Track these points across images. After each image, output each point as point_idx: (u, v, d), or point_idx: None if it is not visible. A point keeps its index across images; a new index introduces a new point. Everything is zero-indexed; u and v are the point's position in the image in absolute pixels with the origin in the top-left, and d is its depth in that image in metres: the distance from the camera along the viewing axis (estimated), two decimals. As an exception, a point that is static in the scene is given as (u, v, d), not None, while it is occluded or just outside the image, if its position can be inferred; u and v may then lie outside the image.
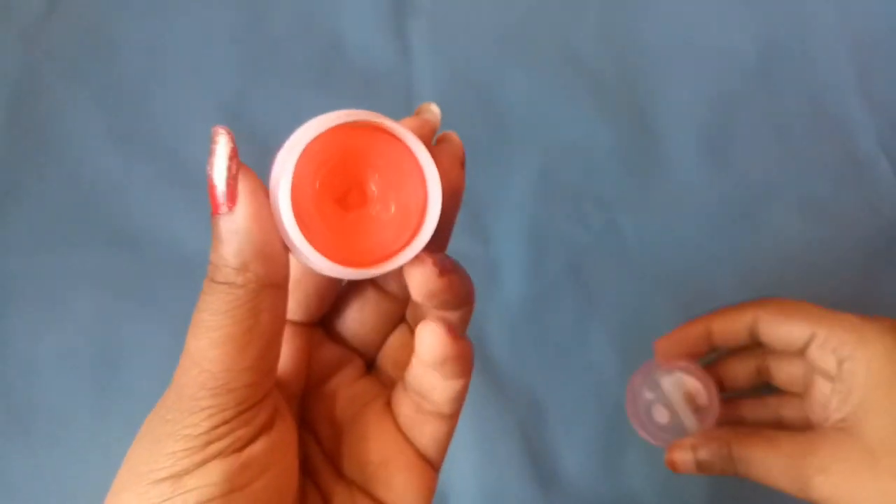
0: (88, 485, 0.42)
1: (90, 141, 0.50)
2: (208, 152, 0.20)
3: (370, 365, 0.25)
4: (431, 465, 0.23)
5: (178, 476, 0.18)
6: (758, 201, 0.49)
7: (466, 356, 0.21)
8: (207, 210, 0.20)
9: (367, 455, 0.23)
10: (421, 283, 0.20)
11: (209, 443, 0.18)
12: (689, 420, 0.38)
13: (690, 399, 0.39)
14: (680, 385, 0.39)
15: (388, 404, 0.24)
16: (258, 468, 0.19)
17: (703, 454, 0.34)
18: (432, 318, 0.21)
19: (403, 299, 0.24)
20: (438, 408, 0.22)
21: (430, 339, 0.20)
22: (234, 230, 0.19)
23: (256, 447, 0.19)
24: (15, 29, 0.53)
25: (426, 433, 0.23)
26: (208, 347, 0.19)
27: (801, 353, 0.34)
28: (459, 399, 0.22)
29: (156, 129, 0.50)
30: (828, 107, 0.51)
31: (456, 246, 0.49)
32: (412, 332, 0.24)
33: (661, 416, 0.38)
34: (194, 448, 0.18)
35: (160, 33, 0.53)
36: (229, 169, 0.19)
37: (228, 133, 0.20)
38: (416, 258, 0.20)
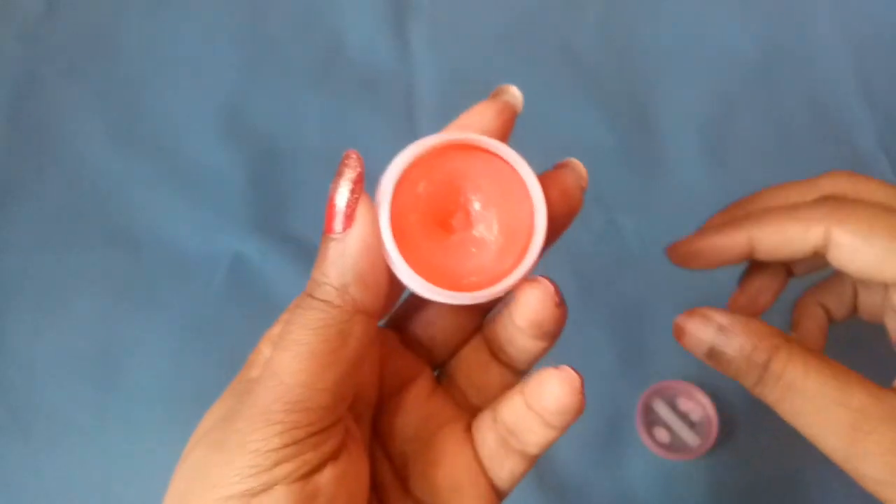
0: (88, 485, 0.42)
1: (90, 141, 0.50)
2: (336, 172, 0.20)
3: (436, 370, 0.25)
4: (500, 497, 0.23)
5: (245, 497, 0.18)
6: (758, 201, 0.49)
7: (581, 409, 0.21)
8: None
9: (442, 479, 0.22)
10: (536, 309, 0.21)
11: (277, 463, 0.18)
12: (685, 437, 0.42)
13: (685, 417, 0.43)
14: (673, 407, 0.43)
15: (468, 429, 0.23)
16: (324, 499, 0.19)
17: (729, 348, 0.24)
18: (557, 370, 0.21)
19: (484, 309, 0.24)
20: (526, 448, 0.22)
21: (561, 392, 0.21)
22: (342, 252, 0.19)
23: (324, 476, 0.19)
24: (15, 29, 0.53)
25: (506, 468, 0.22)
26: (291, 360, 0.19)
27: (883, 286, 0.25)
28: (550, 445, 0.22)
29: (156, 129, 0.50)
30: (828, 107, 0.51)
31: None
32: (488, 349, 0.24)
33: (663, 436, 0.42)
34: (262, 466, 0.18)
35: (160, 33, 0.53)
36: (352, 192, 0.19)
37: (359, 158, 0.20)
38: (535, 281, 0.20)
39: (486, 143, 0.20)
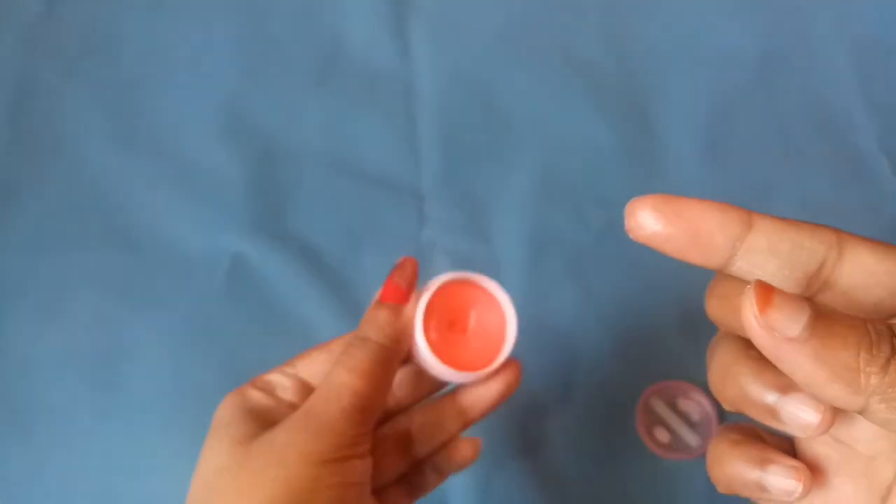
0: (88, 485, 0.42)
1: (90, 141, 0.50)
2: (397, 264, 0.30)
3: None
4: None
5: (337, 461, 0.26)
6: (758, 201, 0.49)
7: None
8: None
9: None
10: (503, 391, 0.31)
11: (355, 443, 0.26)
12: (685, 437, 0.42)
13: (684, 417, 0.43)
14: (673, 406, 0.43)
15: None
16: (370, 470, 0.27)
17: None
18: (471, 442, 0.32)
19: (438, 386, 0.32)
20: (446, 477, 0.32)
21: (472, 454, 0.32)
22: (399, 317, 0.29)
23: (370, 454, 0.27)
24: (15, 29, 0.53)
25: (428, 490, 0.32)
26: (358, 379, 0.27)
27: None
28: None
29: (156, 129, 0.50)
30: (828, 107, 0.51)
31: (457, 246, 0.50)
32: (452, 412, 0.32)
33: (663, 436, 0.42)
34: (346, 445, 0.26)
35: (160, 33, 0.53)
36: (411, 284, 0.29)
37: (415, 261, 0.30)
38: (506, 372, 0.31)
39: (476, 279, 0.30)
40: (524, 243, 0.47)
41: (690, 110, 0.51)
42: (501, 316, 0.31)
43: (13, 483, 0.41)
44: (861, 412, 0.16)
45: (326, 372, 0.27)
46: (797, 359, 0.16)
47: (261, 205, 0.48)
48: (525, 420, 0.43)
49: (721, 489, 0.21)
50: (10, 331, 0.45)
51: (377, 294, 0.30)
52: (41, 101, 0.51)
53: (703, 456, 0.42)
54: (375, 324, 0.28)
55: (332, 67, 0.52)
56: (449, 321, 0.30)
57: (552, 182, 0.49)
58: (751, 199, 0.50)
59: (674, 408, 0.43)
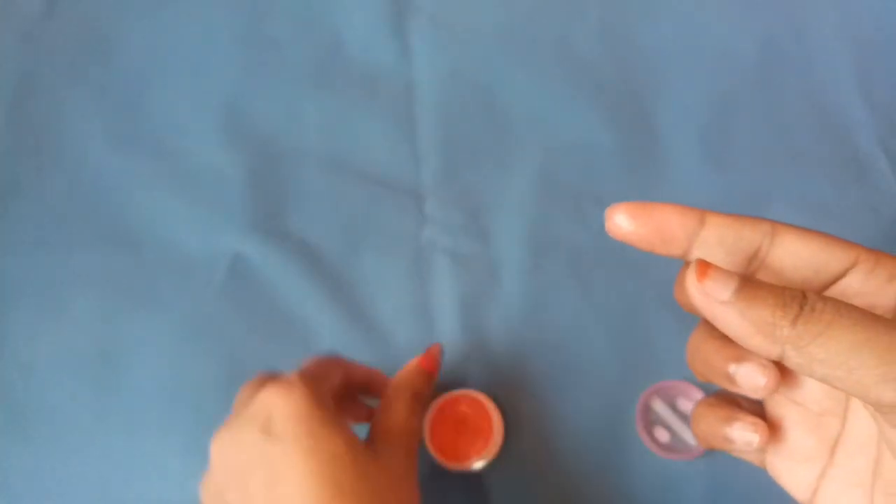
0: (88, 485, 0.42)
1: (90, 140, 0.50)
2: (431, 348, 0.41)
3: None
4: None
5: (413, 469, 0.35)
6: (758, 201, 0.49)
7: None
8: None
9: None
10: None
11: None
12: (685, 437, 0.42)
13: (684, 417, 0.43)
14: (673, 406, 0.43)
15: None
16: None
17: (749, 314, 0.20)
18: None
19: None
20: None
21: None
22: (432, 381, 0.39)
23: None
24: (15, 29, 0.53)
25: None
26: (419, 422, 0.37)
27: (823, 284, 0.24)
28: None
29: (156, 129, 0.50)
30: (828, 107, 0.51)
31: (457, 246, 0.50)
32: None
33: (663, 436, 0.42)
34: (415, 462, 0.36)
35: (160, 33, 0.53)
36: (439, 360, 0.40)
37: (441, 346, 0.41)
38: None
39: (471, 393, 0.42)
40: (524, 243, 0.47)
41: (690, 110, 0.51)
42: (490, 422, 0.41)
43: (13, 483, 0.41)
44: (780, 359, 0.20)
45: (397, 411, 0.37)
46: (727, 316, 0.20)
47: (261, 205, 0.48)
48: (525, 420, 0.43)
49: (701, 444, 0.26)
50: (10, 331, 0.45)
51: (415, 360, 0.39)
52: (41, 101, 0.51)
53: (703, 456, 0.42)
54: (422, 380, 0.39)
55: (332, 67, 0.52)
56: (448, 422, 0.41)
57: (552, 182, 0.49)
58: (750, 199, 0.51)
59: (674, 408, 0.43)
